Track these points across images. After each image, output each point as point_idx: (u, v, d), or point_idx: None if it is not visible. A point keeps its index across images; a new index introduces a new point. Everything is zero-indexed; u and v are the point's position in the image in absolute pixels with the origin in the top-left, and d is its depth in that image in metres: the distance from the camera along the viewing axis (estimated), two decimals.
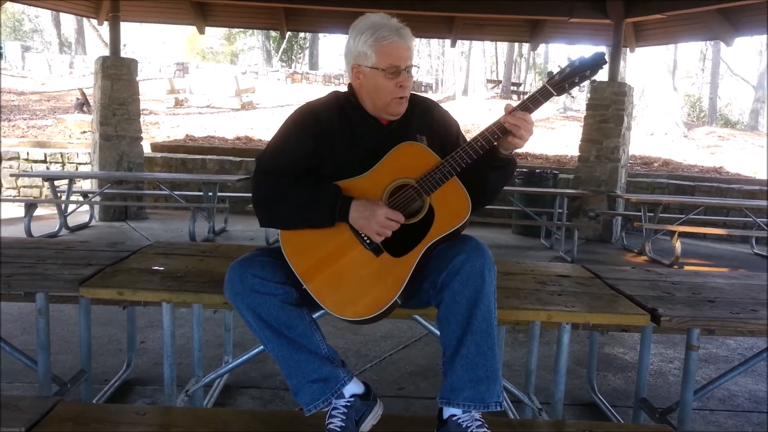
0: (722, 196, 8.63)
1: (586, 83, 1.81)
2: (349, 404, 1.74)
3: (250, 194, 1.90)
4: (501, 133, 1.78)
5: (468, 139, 1.84)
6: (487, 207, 2.08)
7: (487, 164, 1.84)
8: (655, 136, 14.89)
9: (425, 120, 1.98)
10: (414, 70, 1.92)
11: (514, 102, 1.82)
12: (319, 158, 1.88)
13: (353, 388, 1.78)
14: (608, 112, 7.57)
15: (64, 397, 2.32)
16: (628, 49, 8.77)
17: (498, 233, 7.76)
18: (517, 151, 1.90)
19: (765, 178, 10.85)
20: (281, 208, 1.81)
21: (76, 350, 2.76)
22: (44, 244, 2.80)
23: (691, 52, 36.50)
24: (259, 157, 1.92)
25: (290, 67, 28.11)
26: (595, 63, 1.78)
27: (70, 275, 2.19)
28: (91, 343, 2.60)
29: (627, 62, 17.24)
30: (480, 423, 1.70)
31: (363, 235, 1.79)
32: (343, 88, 2.04)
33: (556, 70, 1.81)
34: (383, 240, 1.78)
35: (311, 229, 1.81)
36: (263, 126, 13.70)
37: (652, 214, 6.77)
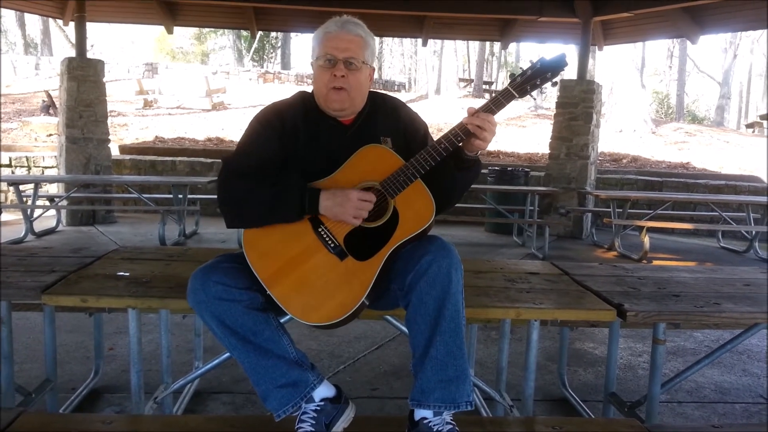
0: (689, 191, 8.81)
1: (548, 85, 1.83)
2: (319, 408, 1.73)
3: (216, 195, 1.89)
4: (464, 134, 1.79)
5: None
6: (460, 205, 2.10)
7: (453, 165, 1.86)
8: (624, 132, 15.11)
9: (391, 120, 1.98)
10: (366, 66, 1.91)
11: (485, 101, 1.84)
12: (284, 159, 1.87)
13: (324, 391, 1.77)
14: (577, 110, 7.67)
15: (28, 408, 2.27)
16: (596, 47, 8.89)
17: (471, 231, 7.80)
18: (489, 149, 1.91)
19: (733, 173, 11.11)
20: (247, 206, 1.79)
21: (42, 359, 2.70)
22: (6, 251, 2.73)
23: (658, 49, 37.16)
24: (225, 158, 1.90)
25: (262, 67, 27.88)
26: (557, 65, 1.81)
27: (33, 282, 2.13)
28: (56, 352, 2.55)
29: (596, 60, 17.48)
30: (451, 426, 1.70)
31: (327, 239, 1.78)
32: None
33: (518, 72, 1.83)
34: (349, 239, 1.77)
35: (279, 224, 1.79)
36: (235, 127, 13.55)
37: (621, 210, 6.88)
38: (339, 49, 1.86)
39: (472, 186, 2.01)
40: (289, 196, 1.77)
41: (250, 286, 1.74)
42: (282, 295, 1.74)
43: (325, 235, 1.79)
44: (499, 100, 1.80)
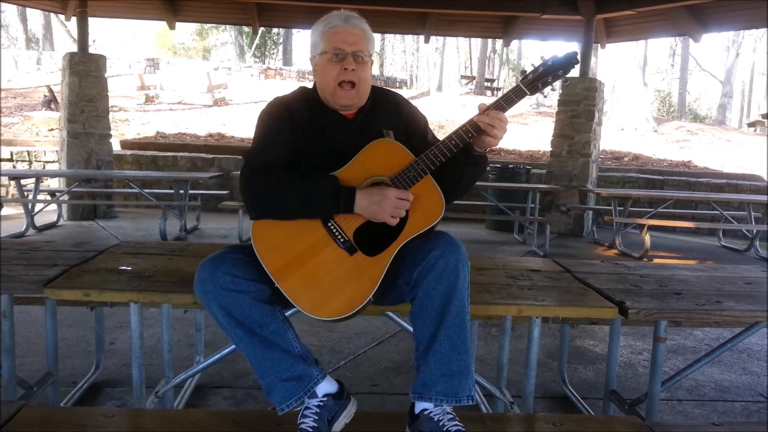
0: (690, 189, 8.80)
1: (558, 82, 1.83)
2: (321, 404, 1.73)
3: (240, 191, 1.85)
4: (475, 131, 1.78)
5: (441, 136, 1.85)
6: (461, 202, 2.10)
7: (461, 160, 1.86)
8: (626, 131, 15.10)
9: (392, 114, 1.98)
10: (370, 59, 1.92)
11: (488, 98, 1.83)
12: (293, 152, 1.87)
13: (326, 386, 1.77)
14: (579, 108, 7.67)
15: (29, 401, 2.27)
16: (599, 45, 8.88)
17: (472, 228, 7.80)
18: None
19: (735, 172, 11.10)
20: (277, 201, 1.79)
21: (44, 352, 2.70)
22: (9, 245, 2.74)
23: (660, 47, 37.13)
24: (246, 153, 1.90)
25: (263, 63, 27.83)
26: (568, 62, 1.81)
27: (35, 276, 2.14)
28: (57, 345, 2.55)
29: (598, 58, 17.47)
30: (451, 416, 1.70)
31: (337, 234, 1.78)
32: None
33: (529, 69, 1.83)
34: (358, 234, 1.77)
35: (290, 221, 1.79)
36: (236, 122, 13.56)
37: (622, 208, 6.88)
38: (347, 43, 1.86)
39: (488, 158, 2.00)
40: (325, 193, 1.77)
41: (257, 278, 1.74)
42: (291, 289, 1.74)
43: (334, 230, 1.79)
44: (510, 98, 1.80)
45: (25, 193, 6.70)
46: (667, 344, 2.36)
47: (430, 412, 1.70)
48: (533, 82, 1.81)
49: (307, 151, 1.88)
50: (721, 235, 7.81)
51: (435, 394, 1.71)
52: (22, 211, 6.50)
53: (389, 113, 1.98)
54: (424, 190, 1.80)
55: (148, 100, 16.33)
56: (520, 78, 1.83)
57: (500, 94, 1.96)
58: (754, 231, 7.13)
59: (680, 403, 2.88)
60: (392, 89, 2.15)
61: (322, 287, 1.75)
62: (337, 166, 1.83)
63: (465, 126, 1.79)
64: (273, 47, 31.48)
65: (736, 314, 2.15)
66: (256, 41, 29.27)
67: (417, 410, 1.73)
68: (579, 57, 1.84)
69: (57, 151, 8.25)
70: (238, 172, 1.88)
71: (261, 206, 1.82)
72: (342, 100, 1.89)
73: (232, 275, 1.70)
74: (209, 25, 30.44)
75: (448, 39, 21.92)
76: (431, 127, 2.10)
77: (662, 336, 2.23)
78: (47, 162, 8.66)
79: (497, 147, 11.35)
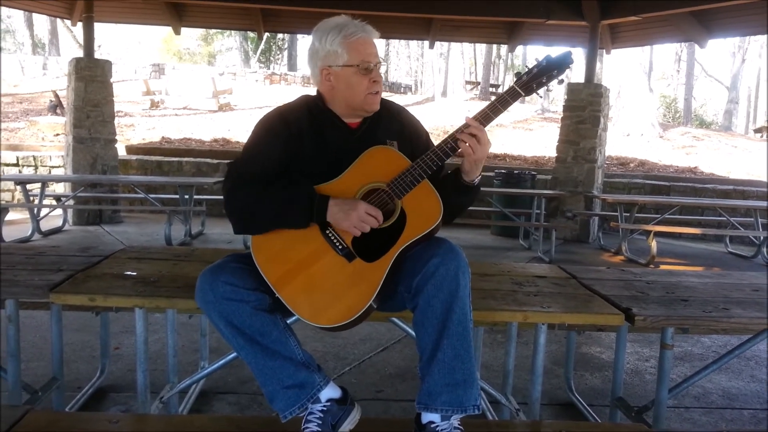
0: (697, 195, 8.77)
1: (555, 83, 1.82)
2: (325, 409, 1.73)
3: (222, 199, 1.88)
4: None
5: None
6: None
7: (450, 188, 1.87)
8: (632, 136, 15.06)
9: (395, 125, 1.98)
10: (382, 68, 1.93)
11: (492, 100, 1.83)
12: (289, 162, 1.86)
13: (330, 392, 1.77)
14: (585, 114, 7.66)
15: (34, 406, 2.27)
16: (604, 50, 8.88)
17: (477, 234, 7.79)
18: (496, 152, 1.90)
19: (741, 178, 11.06)
20: (255, 213, 1.78)
21: (49, 357, 2.70)
22: (14, 250, 2.74)
23: (666, 53, 37.06)
24: (230, 163, 1.90)
25: (268, 68, 27.92)
26: (562, 62, 1.81)
27: (40, 281, 2.14)
28: (63, 350, 2.55)
29: (603, 64, 17.44)
30: (459, 431, 1.70)
31: (335, 241, 1.78)
32: None
33: (524, 71, 1.83)
34: (357, 240, 1.77)
35: (287, 230, 1.79)
36: (241, 128, 13.58)
37: (628, 214, 6.86)
38: (373, 55, 1.87)
39: (480, 189, 2.00)
40: (299, 203, 1.76)
41: (257, 287, 1.74)
42: (290, 297, 1.74)
43: (332, 237, 1.78)
44: (505, 99, 1.81)
45: (31, 198, 6.73)
46: (674, 351, 2.34)
47: (437, 426, 1.69)
48: (528, 82, 1.81)
49: (307, 160, 1.87)
50: (728, 241, 7.77)
51: (440, 405, 1.70)
52: (28, 216, 6.52)
53: (391, 121, 1.98)
54: (422, 195, 1.79)
55: (154, 105, 16.38)
56: (515, 79, 1.83)
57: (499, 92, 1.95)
58: (761, 237, 7.09)
59: (687, 410, 2.85)
60: (397, 95, 2.15)
61: (322, 295, 1.74)
62: (339, 174, 1.83)
63: (460, 128, 1.80)
64: (278, 53, 31.56)
65: (744, 321, 2.14)
66: (261, 47, 29.36)
67: (423, 421, 1.72)
68: (574, 58, 1.82)
69: (62, 156, 8.28)
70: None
71: (240, 219, 1.83)
72: (374, 106, 1.91)
73: (232, 285, 1.70)
74: (214, 30, 30.57)
75: (453, 44, 21.92)
76: (437, 132, 2.10)
77: (669, 343, 2.22)
78: (53, 167, 8.70)
79: (502, 152, 11.36)
